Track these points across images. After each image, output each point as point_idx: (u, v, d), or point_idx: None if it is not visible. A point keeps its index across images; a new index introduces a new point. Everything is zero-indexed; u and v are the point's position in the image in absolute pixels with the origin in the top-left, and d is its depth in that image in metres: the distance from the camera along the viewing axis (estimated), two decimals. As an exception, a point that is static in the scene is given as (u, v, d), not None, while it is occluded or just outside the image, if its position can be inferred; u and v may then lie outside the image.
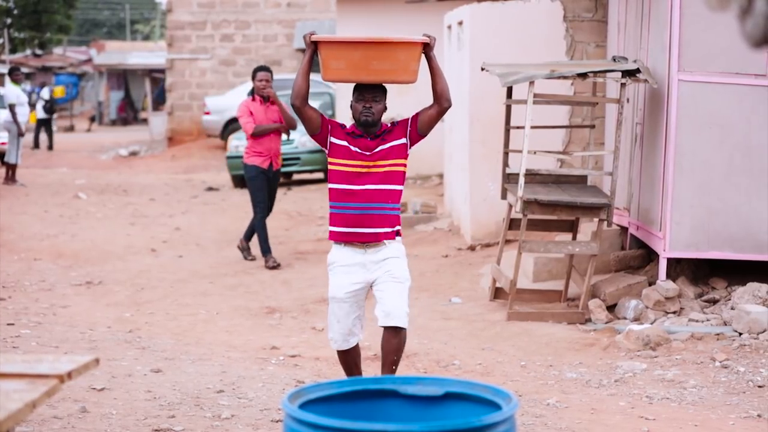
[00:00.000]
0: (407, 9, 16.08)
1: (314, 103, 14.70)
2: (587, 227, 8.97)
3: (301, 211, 13.57)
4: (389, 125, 5.27)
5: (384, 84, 5.18)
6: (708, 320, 7.33)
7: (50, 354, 5.98)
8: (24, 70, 30.54)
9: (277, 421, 5.17)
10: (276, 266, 9.88)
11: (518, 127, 8.23)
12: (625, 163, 8.65)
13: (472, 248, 10.24)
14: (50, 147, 25.26)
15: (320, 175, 17.17)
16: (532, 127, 7.73)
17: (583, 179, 8.40)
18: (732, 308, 7.31)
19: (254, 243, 10.31)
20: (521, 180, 7.71)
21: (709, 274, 8.13)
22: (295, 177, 17.51)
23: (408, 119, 5.25)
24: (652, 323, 7.35)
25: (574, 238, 8.31)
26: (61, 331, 7.17)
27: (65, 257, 10.52)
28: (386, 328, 5.12)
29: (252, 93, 9.89)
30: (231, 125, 21.66)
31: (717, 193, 7.63)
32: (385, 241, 5.17)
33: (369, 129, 5.17)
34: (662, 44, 7.78)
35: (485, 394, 2.74)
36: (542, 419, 5.39)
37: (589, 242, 7.82)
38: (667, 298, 7.57)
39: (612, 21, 9.68)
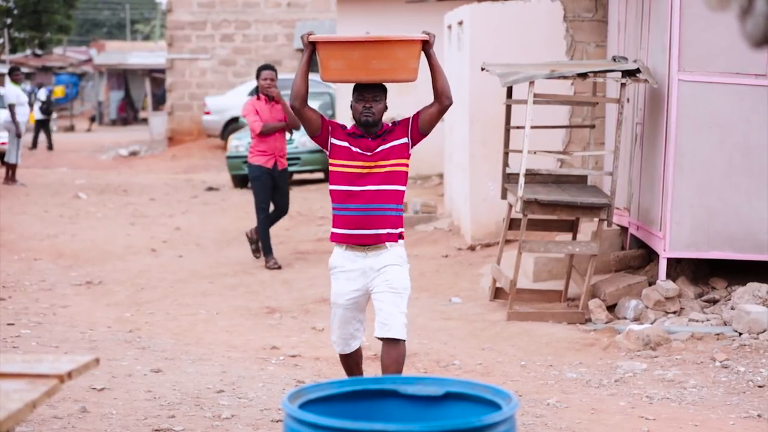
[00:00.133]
0: (407, 9, 16.09)
1: (314, 103, 14.70)
2: (587, 227, 8.97)
3: (301, 211, 13.55)
4: (390, 125, 5.18)
5: (384, 83, 5.09)
6: (708, 320, 7.33)
7: (50, 354, 5.98)
8: (24, 70, 30.54)
9: (277, 421, 5.17)
10: (276, 268, 9.87)
11: (518, 127, 8.23)
12: (625, 163, 8.65)
13: (472, 248, 10.23)
14: (50, 147, 25.26)
15: (320, 175, 17.17)
16: (532, 127, 7.73)
17: (583, 179, 8.40)
18: (732, 308, 7.31)
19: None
20: (521, 180, 7.71)
21: (709, 274, 8.13)
22: (296, 177, 17.51)
23: (409, 118, 5.15)
24: (652, 323, 7.35)
25: (574, 238, 8.31)
26: (61, 331, 7.16)
27: (65, 257, 10.52)
28: (384, 340, 5.02)
29: (256, 92, 9.86)
30: (231, 125, 21.66)
31: (717, 193, 7.63)
32: (386, 243, 5.04)
33: (370, 129, 5.07)
34: (662, 44, 7.78)
35: (485, 394, 2.74)
36: (542, 419, 5.39)
37: (589, 242, 7.82)
38: (667, 298, 7.57)
39: (612, 21, 9.68)
